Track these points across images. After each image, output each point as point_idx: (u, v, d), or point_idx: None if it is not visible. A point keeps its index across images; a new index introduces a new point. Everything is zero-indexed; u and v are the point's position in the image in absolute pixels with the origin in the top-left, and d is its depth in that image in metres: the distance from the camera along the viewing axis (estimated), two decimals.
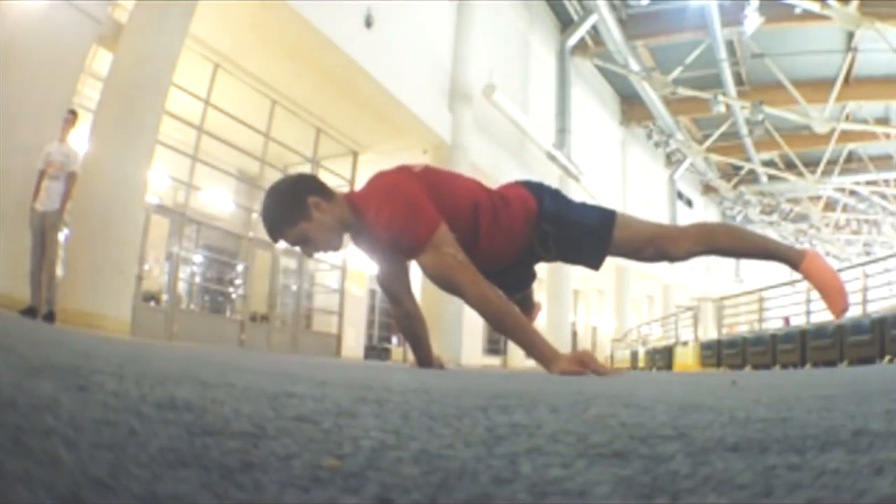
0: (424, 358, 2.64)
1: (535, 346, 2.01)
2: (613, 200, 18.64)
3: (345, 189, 11.89)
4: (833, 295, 2.29)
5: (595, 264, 2.40)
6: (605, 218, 2.36)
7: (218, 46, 8.92)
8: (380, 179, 2.25)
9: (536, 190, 2.40)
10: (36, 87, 5.83)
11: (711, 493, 0.33)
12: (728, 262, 27.30)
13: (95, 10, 6.42)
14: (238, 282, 11.95)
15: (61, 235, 5.60)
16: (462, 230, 2.15)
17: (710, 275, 25.93)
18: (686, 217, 24.32)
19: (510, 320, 2.05)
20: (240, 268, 11.54)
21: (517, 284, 2.56)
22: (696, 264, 24.92)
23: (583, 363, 1.89)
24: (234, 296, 12.22)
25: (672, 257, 2.37)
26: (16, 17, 5.72)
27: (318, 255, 2.36)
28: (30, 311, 5.03)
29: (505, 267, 2.37)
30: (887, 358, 6.72)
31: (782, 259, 2.38)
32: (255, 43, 8.79)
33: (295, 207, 2.12)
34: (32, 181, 5.31)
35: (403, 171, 2.26)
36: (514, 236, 2.29)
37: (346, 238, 2.29)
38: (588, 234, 2.33)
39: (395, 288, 2.53)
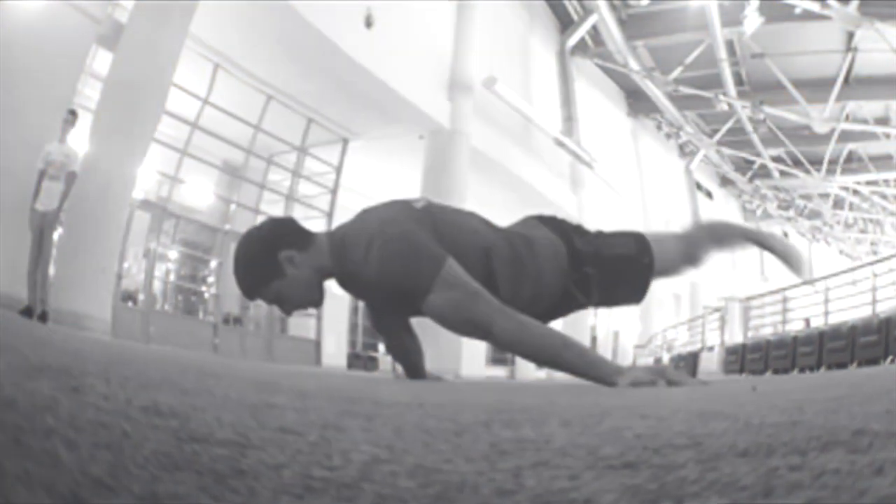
0: (417, 372, 2.32)
1: (594, 364, 1.68)
2: (631, 190, 18.21)
3: (330, 175, 11.57)
4: (794, 260, 2.37)
5: (640, 298, 2.17)
6: (641, 243, 2.11)
7: (218, 46, 8.89)
8: (369, 216, 1.94)
9: (559, 227, 2.12)
10: (36, 87, 5.83)
11: (714, 495, 0.33)
12: (753, 259, 26.41)
13: (95, 10, 6.42)
14: (211, 279, 11.10)
15: (55, 235, 5.59)
16: (472, 268, 1.80)
17: (735, 272, 24.85)
18: (707, 209, 23.44)
19: (556, 341, 1.69)
20: (213, 264, 10.78)
21: None
22: (722, 259, 23.97)
23: (656, 373, 1.63)
24: (206, 295, 11.37)
25: (700, 262, 2.29)
26: (16, 17, 5.72)
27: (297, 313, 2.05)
28: (28, 312, 5.03)
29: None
30: (889, 358, 6.70)
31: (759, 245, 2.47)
32: (255, 42, 8.76)
33: (266, 266, 1.85)
34: (32, 181, 5.31)
35: (400, 206, 1.95)
36: (543, 284, 1.97)
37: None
38: (631, 267, 2.09)
39: (386, 324, 2.26)
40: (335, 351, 12.39)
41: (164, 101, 6.86)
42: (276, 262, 1.83)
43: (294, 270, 1.85)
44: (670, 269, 2.22)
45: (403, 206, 1.95)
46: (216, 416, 0.52)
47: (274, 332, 10.67)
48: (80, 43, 6.41)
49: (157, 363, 1.38)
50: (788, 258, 2.35)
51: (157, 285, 10.25)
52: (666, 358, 15.65)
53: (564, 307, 2.10)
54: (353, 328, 14.75)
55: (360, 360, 12.84)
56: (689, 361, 13.20)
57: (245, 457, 0.38)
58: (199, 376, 1.10)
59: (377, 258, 1.77)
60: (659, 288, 20.28)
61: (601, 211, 16.03)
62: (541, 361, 1.78)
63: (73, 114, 5.53)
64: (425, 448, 0.47)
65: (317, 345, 10.80)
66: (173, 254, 10.81)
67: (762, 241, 2.47)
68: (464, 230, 1.96)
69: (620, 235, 2.17)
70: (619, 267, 2.06)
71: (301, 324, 10.96)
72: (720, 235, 2.50)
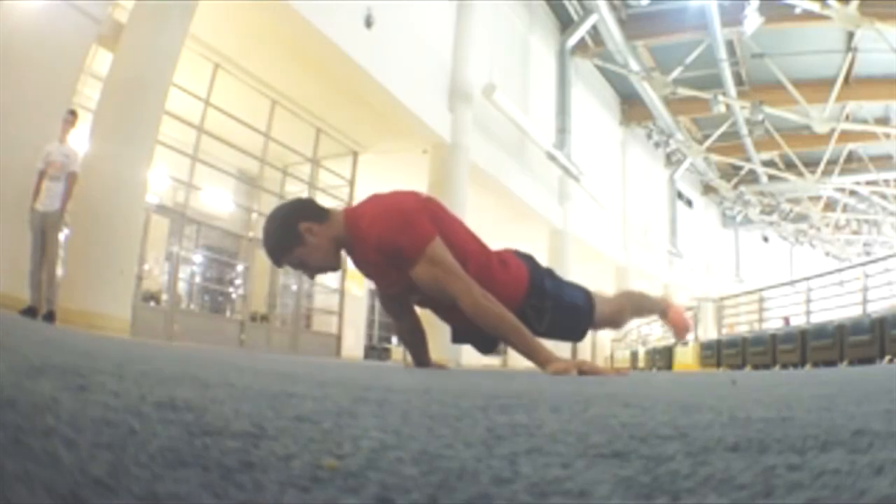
0: (423, 360, 2.72)
1: (532, 349, 2.11)
2: (613, 200, 18.66)
3: (345, 188, 11.99)
4: (681, 330, 3.07)
5: (580, 339, 2.70)
6: (589, 298, 2.61)
7: (218, 46, 8.92)
8: (379, 197, 2.33)
9: (533, 264, 2.54)
10: (36, 87, 5.83)
11: (711, 493, 0.33)
12: (729, 262, 27.34)
13: (95, 10, 6.42)
14: (238, 282, 11.95)
15: (61, 235, 5.60)
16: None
17: (710, 275, 25.90)
18: (686, 217, 24.31)
19: (506, 324, 2.13)
20: (240, 268, 11.54)
21: (489, 348, 2.64)
22: (697, 264, 24.89)
23: (577, 367, 2.01)
24: (234, 296, 12.20)
25: (620, 326, 2.96)
26: (16, 17, 5.72)
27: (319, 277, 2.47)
28: (30, 311, 5.03)
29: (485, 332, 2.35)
30: (887, 358, 6.72)
31: (657, 311, 3.06)
32: (256, 43, 8.79)
33: (289, 235, 2.22)
34: (32, 181, 5.31)
35: (408, 194, 2.35)
36: (504, 300, 2.24)
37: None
38: (579, 314, 2.57)
39: (394, 305, 2.58)
40: (354, 343, 13.57)
41: (164, 101, 6.87)
42: (297, 231, 2.20)
43: (313, 239, 2.21)
44: (600, 325, 2.74)
45: (409, 193, 2.36)
46: (234, 408, 0.53)
47: (299, 327, 11.31)
48: (80, 43, 6.41)
49: (178, 359, 1.39)
50: (677, 330, 3.05)
51: (182, 286, 10.76)
52: (641, 351, 16.01)
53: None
54: (370, 324, 16.41)
55: (375, 351, 14.53)
56: (665, 355, 13.56)
57: (257, 448, 0.38)
58: (222, 369, 1.11)
59: (379, 227, 2.16)
60: (634, 286, 20.78)
61: (584, 222, 16.29)
62: (495, 335, 2.27)
63: (73, 114, 5.53)
64: (429, 433, 0.49)
65: (337, 339, 11.64)
66: (198, 257, 11.36)
67: (663, 313, 3.02)
68: (454, 230, 2.33)
69: (577, 288, 2.65)
70: (570, 312, 2.53)
71: (324, 320, 12.19)
72: (638, 306, 3.03)
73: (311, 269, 2.30)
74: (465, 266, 2.21)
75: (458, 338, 2.61)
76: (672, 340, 14.43)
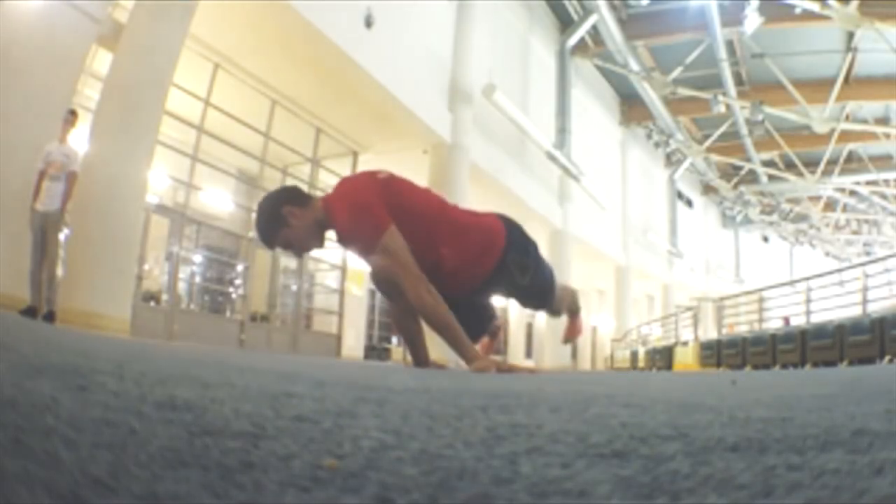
0: (422, 359, 2.84)
1: (462, 346, 2.37)
2: (613, 200, 18.66)
3: None
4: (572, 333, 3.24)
5: (549, 307, 2.97)
6: (554, 278, 2.91)
7: (218, 46, 8.92)
8: (343, 184, 2.54)
9: (510, 225, 2.72)
10: (36, 87, 5.82)
11: (711, 493, 0.33)
12: (729, 262, 27.36)
13: (95, 10, 6.42)
14: (238, 282, 11.95)
15: (61, 235, 5.60)
16: (419, 240, 2.38)
17: (710, 275, 25.95)
18: (686, 217, 24.32)
19: (442, 320, 2.36)
20: (240, 268, 11.54)
21: (478, 333, 2.82)
22: (697, 264, 24.95)
23: (497, 366, 2.30)
24: (234, 296, 12.21)
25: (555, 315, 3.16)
26: (16, 17, 5.72)
27: (313, 253, 2.82)
28: (30, 311, 5.03)
29: (475, 288, 2.62)
30: (887, 358, 6.72)
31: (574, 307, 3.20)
32: (256, 43, 8.80)
33: (274, 218, 2.44)
34: (32, 181, 5.31)
35: (366, 176, 2.52)
36: (481, 250, 2.54)
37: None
38: (551, 283, 2.84)
39: (387, 285, 2.63)
40: (354, 343, 13.56)
41: (164, 101, 6.87)
42: (280, 214, 2.41)
43: (296, 222, 2.42)
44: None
45: (368, 176, 2.51)
46: (234, 408, 0.53)
47: (299, 327, 11.30)
48: (80, 43, 6.41)
49: (178, 359, 1.39)
50: (570, 332, 3.23)
51: (182, 286, 10.75)
52: (641, 351, 16.03)
53: (497, 282, 2.65)
54: (370, 324, 16.39)
55: (375, 351, 14.48)
56: (665, 355, 13.57)
57: (257, 448, 0.38)
58: (222, 369, 1.11)
59: (340, 217, 2.38)
60: (634, 286, 20.79)
61: (584, 222, 16.34)
62: (432, 329, 2.46)
63: (73, 114, 5.53)
64: (429, 433, 0.49)
65: (337, 339, 11.64)
66: (198, 257, 11.34)
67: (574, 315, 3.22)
68: (416, 200, 2.50)
69: (549, 267, 2.90)
70: (545, 278, 2.78)
71: (324, 320, 12.22)
72: (570, 298, 3.17)
73: (297, 249, 2.51)
74: (435, 233, 2.45)
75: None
76: (672, 341, 14.45)
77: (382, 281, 2.47)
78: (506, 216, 2.79)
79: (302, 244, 2.48)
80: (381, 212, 2.32)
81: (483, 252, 2.54)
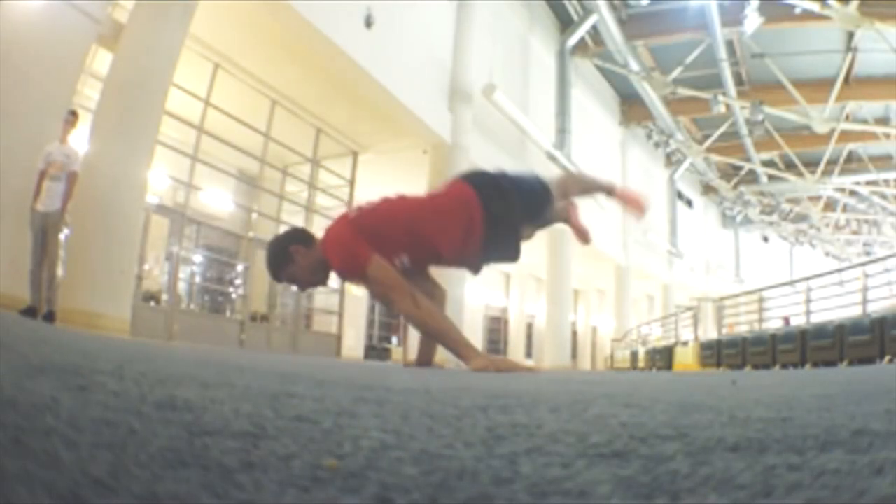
0: (426, 358, 3.03)
1: (460, 346, 2.55)
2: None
3: (345, 188, 12.05)
4: (636, 205, 3.29)
5: (545, 216, 3.00)
6: (539, 179, 3.00)
7: (218, 46, 8.92)
8: (328, 233, 2.80)
9: (474, 178, 2.88)
10: (36, 87, 5.82)
11: (711, 493, 0.33)
12: (729, 262, 27.37)
13: (95, 10, 6.42)
14: (238, 282, 11.95)
15: (62, 235, 5.60)
16: (411, 245, 2.66)
17: (710, 275, 25.97)
18: (686, 217, 24.36)
19: (433, 328, 2.62)
20: (240, 268, 11.54)
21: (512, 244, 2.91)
22: (697, 264, 24.96)
23: (496, 365, 2.43)
24: (234, 296, 12.22)
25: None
26: (16, 17, 5.72)
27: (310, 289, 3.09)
28: (30, 311, 5.03)
29: (485, 247, 2.76)
30: (887, 358, 6.72)
31: (602, 189, 3.31)
32: (256, 43, 8.80)
33: (281, 255, 2.75)
34: (32, 181, 5.31)
35: (340, 221, 2.79)
36: (463, 213, 2.70)
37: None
38: (539, 195, 2.93)
39: (384, 305, 2.96)
40: (354, 343, 13.66)
41: (164, 101, 6.86)
42: (287, 253, 2.73)
43: (301, 260, 2.72)
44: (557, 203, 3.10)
45: (342, 221, 2.78)
46: (234, 408, 0.53)
47: (299, 327, 11.34)
48: (80, 43, 6.41)
49: (178, 359, 1.39)
50: (632, 206, 3.30)
51: (182, 286, 10.74)
52: (641, 351, 16.00)
53: (498, 228, 2.74)
54: (370, 324, 16.47)
55: (375, 351, 14.51)
56: (665, 355, 13.58)
57: (257, 448, 0.38)
58: (222, 369, 1.11)
59: (333, 259, 2.69)
60: (634, 287, 20.78)
61: (584, 222, 16.30)
62: (430, 336, 2.80)
63: (73, 114, 5.53)
64: (429, 433, 0.49)
65: (337, 339, 11.68)
66: (198, 257, 11.34)
67: (611, 191, 3.31)
68: (386, 218, 2.73)
69: (528, 176, 3.05)
70: (532, 196, 2.91)
71: (324, 320, 12.26)
72: (581, 182, 3.42)
73: (301, 283, 2.83)
74: (421, 235, 2.69)
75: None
76: (673, 340, 14.45)
77: (380, 303, 2.88)
78: (469, 173, 2.99)
79: (305, 280, 2.79)
80: (360, 249, 2.61)
81: (468, 223, 2.70)
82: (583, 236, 3.31)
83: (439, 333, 2.61)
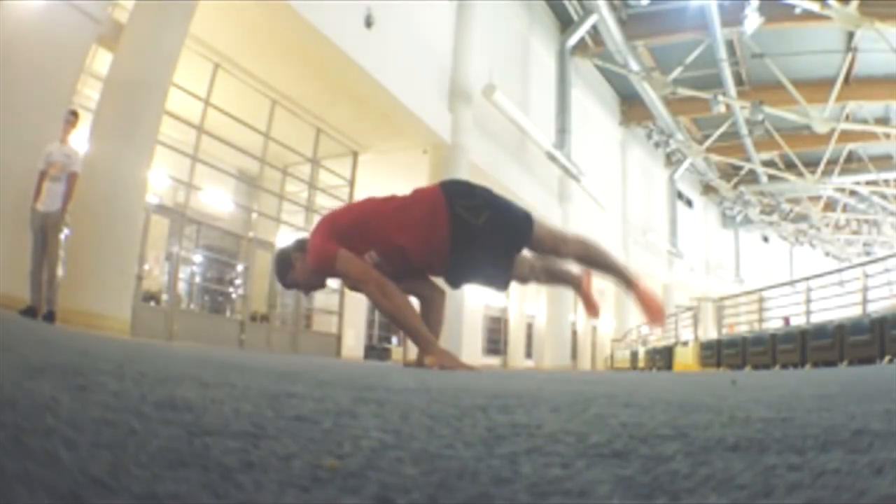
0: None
1: (421, 337, 2.83)
2: (613, 200, 18.67)
3: (345, 188, 12.08)
4: (654, 313, 3.03)
5: (515, 247, 2.91)
6: (528, 213, 2.96)
7: (218, 46, 8.92)
8: (310, 237, 3.01)
9: (447, 183, 2.98)
10: (36, 87, 5.82)
11: (711, 493, 0.33)
12: (729, 262, 27.39)
13: (95, 10, 6.42)
14: (238, 282, 11.96)
15: (62, 236, 5.59)
16: (378, 243, 2.81)
17: (710, 275, 25.99)
18: (686, 217, 24.38)
19: (398, 316, 2.83)
20: (240, 268, 11.55)
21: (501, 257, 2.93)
22: (697, 265, 24.96)
23: (440, 362, 2.69)
24: (234, 296, 12.22)
25: (561, 255, 3.04)
26: (16, 17, 5.72)
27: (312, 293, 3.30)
28: (30, 311, 5.03)
29: (454, 251, 2.79)
30: (887, 358, 6.72)
31: (621, 277, 3.05)
32: (256, 43, 8.80)
33: (285, 263, 3.04)
34: (33, 181, 5.30)
35: (319, 224, 3.00)
36: (427, 209, 2.80)
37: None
38: (515, 221, 2.90)
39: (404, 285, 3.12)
40: (354, 343, 13.59)
41: (164, 101, 6.86)
42: (290, 260, 3.01)
43: (301, 266, 2.97)
44: (538, 248, 3.00)
45: (320, 222, 2.99)
46: (234, 408, 0.53)
47: (299, 327, 11.35)
48: (80, 43, 6.40)
49: (178, 359, 1.39)
50: (649, 310, 3.03)
51: (182, 286, 10.74)
52: (641, 351, 16.02)
53: (464, 233, 2.79)
54: (369, 324, 16.52)
55: (375, 351, 14.49)
56: (665, 355, 13.58)
57: (257, 448, 0.38)
58: (222, 369, 1.11)
59: (315, 264, 2.88)
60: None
61: (584, 222, 16.38)
62: (393, 323, 2.93)
63: (74, 114, 5.52)
64: (429, 433, 0.49)
65: (337, 338, 11.72)
66: (198, 257, 11.32)
67: (629, 285, 3.07)
68: (354, 220, 2.90)
69: (517, 206, 3.01)
70: (505, 215, 2.89)
71: (324, 320, 12.33)
72: (594, 257, 3.10)
73: (302, 287, 3.10)
74: (380, 227, 2.82)
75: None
76: (655, 334, 14.45)
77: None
78: (447, 180, 3.09)
79: (305, 283, 3.04)
80: (327, 245, 2.83)
81: (431, 218, 2.78)
82: (592, 310, 3.21)
83: (403, 324, 2.83)
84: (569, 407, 0.71)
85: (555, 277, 3.24)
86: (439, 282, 3.11)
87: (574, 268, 3.19)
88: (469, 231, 2.77)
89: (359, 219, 2.88)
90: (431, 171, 11.16)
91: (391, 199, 2.93)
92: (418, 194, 2.90)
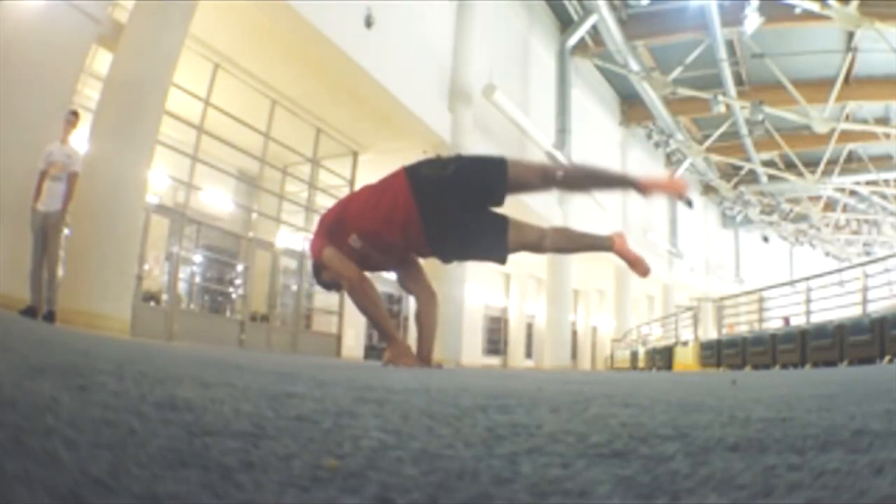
0: (423, 355, 3.26)
1: (387, 334, 3.22)
2: (613, 200, 18.66)
3: (345, 188, 12.10)
4: (637, 266, 3.07)
5: (499, 196, 2.87)
6: (502, 159, 2.94)
7: (218, 46, 8.92)
8: None
9: (410, 165, 3.04)
10: (36, 87, 5.82)
11: (711, 493, 0.33)
12: (729, 262, 27.38)
13: (95, 10, 6.41)
14: (238, 282, 11.96)
15: (62, 236, 5.59)
16: (361, 233, 2.98)
17: (710, 275, 25.99)
18: (686, 217, 24.36)
19: (371, 308, 3.15)
20: (240, 268, 11.55)
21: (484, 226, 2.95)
22: (697, 265, 24.95)
23: (396, 359, 3.02)
24: (234, 296, 12.22)
25: (542, 250, 3.00)
26: (16, 17, 5.72)
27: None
28: (30, 311, 5.02)
29: (438, 225, 2.87)
30: (887, 358, 6.72)
31: (600, 246, 3.10)
32: (256, 43, 8.80)
33: (318, 265, 3.24)
34: (33, 181, 5.30)
35: (317, 222, 3.28)
36: (397, 190, 2.89)
37: None
38: (487, 166, 2.92)
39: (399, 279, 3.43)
40: (354, 343, 13.51)
41: (164, 101, 6.86)
42: (322, 262, 3.19)
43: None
44: (516, 188, 3.01)
45: (319, 223, 3.26)
46: (234, 408, 0.53)
47: (299, 327, 11.38)
48: (80, 43, 6.40)
49: (178, 359, 1.39)
50: (631, 263, 3.08)
51: (182, 286, 10.72)
52: (641, 351, 15.98)
53: (435, 197, 2.84)
54: (370, 324, 15.86)
55: (375, 351, 14.28)
56: (665, 355, 13.60)
57: (257, 448, 0.38)
58: (222, 369, 1.11)
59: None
60: (634, 287, 20.83)
61: (584, 222, 16.37)
62: (367, 319, 3.33)
63: (74, 114, 5.52)
64: (429, 433, 0.49)
65: (337, 338, 11.77)
66: (198, 257, 11.31)
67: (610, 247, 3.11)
68: (337, 213, 3.13)
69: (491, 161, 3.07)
70: (477, 165, 3.02)
71: (324, 320, 12.38)
72: (570, 237, 3.27)
73: (333, 287, 3.33)
74: (357, 217, 2.99)
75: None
76: (673, 340, 14.45)
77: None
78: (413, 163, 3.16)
79: (333, 282, 3.26)
80: (318, 242, 3.13)
81: (394, 197, 2.88)
82: (639, 266, 3.03)
83: (373, 319, 3.23)
84: (569, 407, 0.71)
85: (575, 242, 3.12)
86: (436, 269, 3.24)
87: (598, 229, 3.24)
88: (438, 187, 2.82)
89: (339, 214, 3.11)
90: None
91: (363, 189, 3.15)
92: (383, 179, 3.05)
